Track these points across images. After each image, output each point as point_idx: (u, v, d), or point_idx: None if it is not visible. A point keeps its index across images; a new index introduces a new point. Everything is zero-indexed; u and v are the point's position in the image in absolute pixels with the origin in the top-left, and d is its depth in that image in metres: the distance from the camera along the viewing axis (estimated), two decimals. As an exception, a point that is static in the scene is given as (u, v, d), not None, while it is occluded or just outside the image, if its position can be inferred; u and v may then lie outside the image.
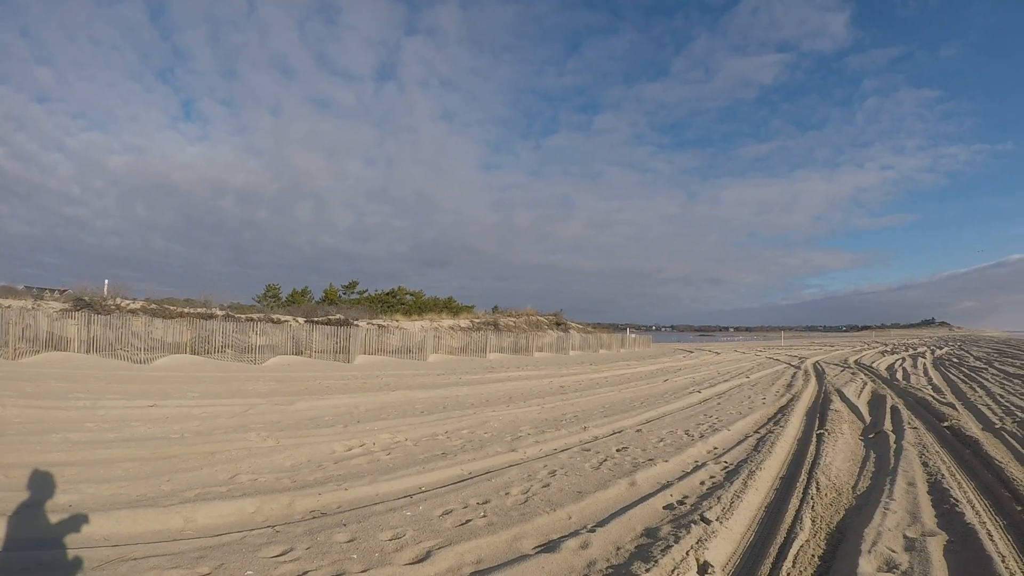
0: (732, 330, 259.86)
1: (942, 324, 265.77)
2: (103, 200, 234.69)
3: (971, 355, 42.30)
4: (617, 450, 9.58)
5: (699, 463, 9.09)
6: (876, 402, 16.32)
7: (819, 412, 14.50)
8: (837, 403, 15.41)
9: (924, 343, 79.40)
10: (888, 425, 12.35)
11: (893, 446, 10.27)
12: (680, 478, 7.95)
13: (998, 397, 16.68)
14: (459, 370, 24.74)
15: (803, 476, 8.43)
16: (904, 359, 38.16)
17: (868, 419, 13.66)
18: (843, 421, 12.87)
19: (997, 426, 12.17)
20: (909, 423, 12.41)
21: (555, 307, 58.27)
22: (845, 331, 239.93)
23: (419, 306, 53.67)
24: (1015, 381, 21.08)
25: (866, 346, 66.71)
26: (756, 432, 11.97)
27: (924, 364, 33.26)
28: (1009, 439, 10.84)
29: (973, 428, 11.87)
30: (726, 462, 9.23)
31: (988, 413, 13.88)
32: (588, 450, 9.43)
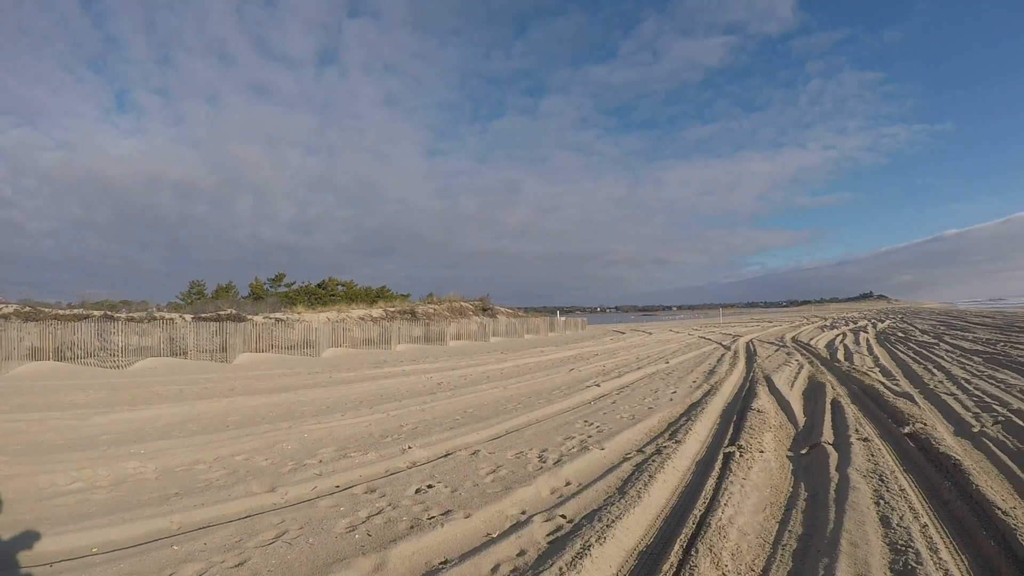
0: (675, 309, 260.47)
1: (880, 297, 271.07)
2: (35, 200, 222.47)
3: (916, 328, 39.64)
4: (416, 491, 6.76)
5: (522, 519, 5.90)
6: (813, 393, 12.97)
7: (738, 412, 11.00)
8: (764, 397, 11.86)
9: (864, 316, 77.85)
10: (827, 433, 8.92)
11: (835, 476, 6.77)
12: (468, 555, 5.00)
13: (962, 382, 13.35)
14: (345, 366, 22.14)
15: (675, 553, 4.94)
16: (845, 335, 35.13)
17: (801, 421, 10.26)
18: (766, 427, 9.32)
19: (976, 430, 8.83)
20: (856, 429, 8.96)
21: (500, 293, 54.93)
22: (785, 306, 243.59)
23: (350, 296, 50.59)
24: (975, 359, 17.82)
25: (805, 321, 64.41)
26: (640, 451, 8.41)
27: (867, 340, 30.18)
28: (1002, 455, 7.47)
29: (945, 436, 8.46)
30: (563, 518, 5.87)
31: (958, 408, 10.58)
32: (373, 491, 6.77)
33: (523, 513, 6.03)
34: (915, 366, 17.01)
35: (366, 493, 6.62)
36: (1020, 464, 6.94)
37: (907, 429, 8.73)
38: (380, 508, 6.11)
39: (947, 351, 21.35)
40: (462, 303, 52.61)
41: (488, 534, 5.47)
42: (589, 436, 9.41)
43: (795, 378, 15.07)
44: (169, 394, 14.27)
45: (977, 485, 5.97)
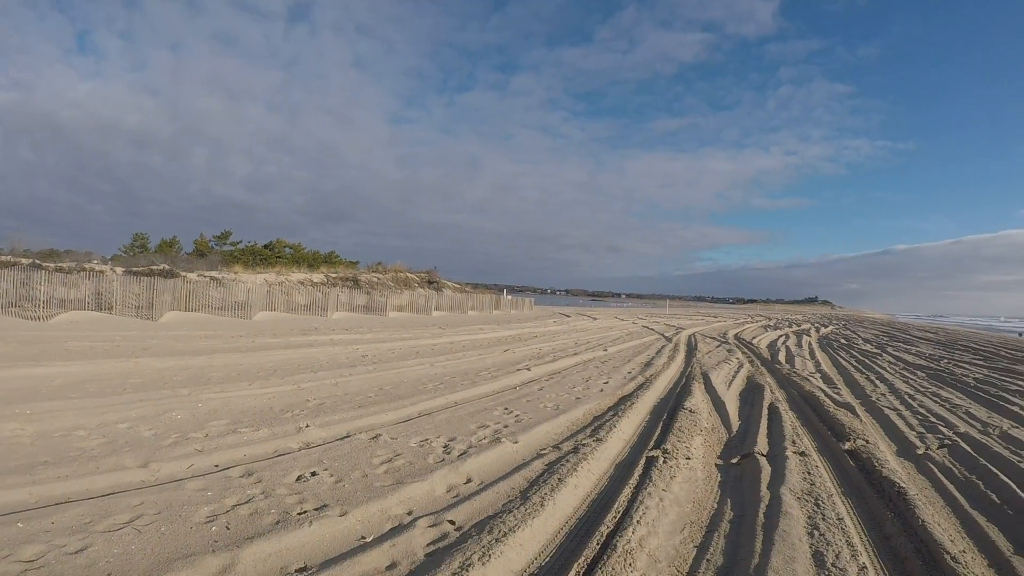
0: (624, 296, 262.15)
1: (825, 303, 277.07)
2: None
3: (859, 336, 39.67)
4: (297, 478, 5.98)
5: (405, 522, 5.12)
6: (750, 395, 12.28)
7: (669, 410, 10.24)
8: (698, 395, 11.10)
9: (808, 320, 78.60)
10: (762, 442, 8.18)
11: (766, 495, 6.00)
12: (330, 563, 4.25)
13: (906, 397, 12.79)
14: (276, 331, 21.34)
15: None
16: (788, 336, 34.91)
17: (735, 425, 9.53)
18: (697, 430, 8.54)
19: (920, 452, 8.18)
20: (793, 440, 8.20)
21: (452, 267, 53.99)
22: (732, 303, 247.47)
23: (297, 259, 49.29)
24: (918, 374, 17.39)
25: (750, 319, 64.60)
26: (557, 447, 7.59)
27: (810, 344, 29.88)
28: (948, 485, 6.81)
29: (888, 457, 7.75)
30: (451, 524, 5.08)
31: (901, 425, 9.97)
32: (250, 475, 5.99)
33: (409, 514, 5.21)
34: (857, 375, 16.50)
35: (242, 476, 5.88)
36: (968, 497, 6.22)
37: (848, 445, 8.00)
38: (251, 496, 5.39)
39: (890, 363, 20.99)
40: (408, 274, 51.45)
41: (362, 537, 4.68)
42: (506, 426, 8.57)
43: (733, 377, 14.41)
44: (78, 350, 13.43)
45: (923, 520, 5.21)
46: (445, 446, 7.40)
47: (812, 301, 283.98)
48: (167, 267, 32.39)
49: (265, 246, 50.69)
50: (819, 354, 23.82)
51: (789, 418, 9.65)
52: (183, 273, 31.66)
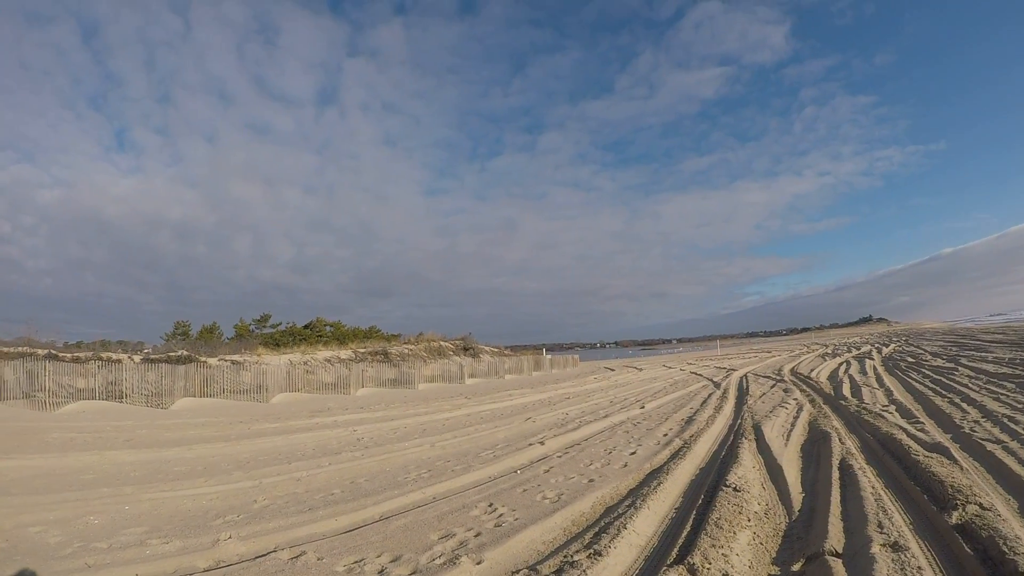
0: (675, 342, 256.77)
1: (880, 320, 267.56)
2: (33, 238, 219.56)
3: (925, 351, 36.17)
4: None
5: None
6: (814, 449, 9.88)
7: (708, 489, 7.86)
8: (748, 461, 8.73)
9: (867, 341, 74.23)
10: (836, 527, 5.82)
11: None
12: None
13: (1005, 422, 10.22)
14: (285, 414, 20.35)
15: None
16: (849, 363, 31.68)
17: (797, 501, 7.19)
18: (743, 519, 6.26)
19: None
20: (879, 520, 5.78)
21: (498, 331, 52.00)
22: (785, 335, 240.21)
23: (337, 337, 48.72)
24: (1007, 385, 14.67)
25: (805, 350, 60.92)
26: (533, 571, 5.36)
27: (875, 368, 26.78)
28: None
29: (1016, 526, 5.26)
30: None
31: (1015, 466, 7.51)
32: None
33: None
34: (938, 400, 13.74)
35: None
36: None
37: (955, 517, 5.50)
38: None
39: (970, 377, 18.05)
40: (441, 343, 49.53)
41: None
42: (478, 534, 6.47)
43: (792, 426, 11.82)
44: (58, 442, 13.32)
45: None
46: (379, 572, 5.49)
47: (867, 321, 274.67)
48: (185, 353, 31.56)
49: (305, 326, 50.06)
50: (888, 379, 20.86)
51: (868, 479, 7.16)
52: (203, 358, 30.75)
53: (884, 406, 13.58)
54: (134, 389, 23.62)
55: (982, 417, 10.96)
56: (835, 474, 7.63)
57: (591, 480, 8.63)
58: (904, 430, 10.11)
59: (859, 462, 8.15)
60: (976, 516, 5.46)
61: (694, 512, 6.68)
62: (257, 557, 5.95)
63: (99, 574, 5.59)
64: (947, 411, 12.04)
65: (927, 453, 8.08)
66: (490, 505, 7.68)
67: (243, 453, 12.39)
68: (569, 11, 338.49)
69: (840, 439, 9.86)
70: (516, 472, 9.69)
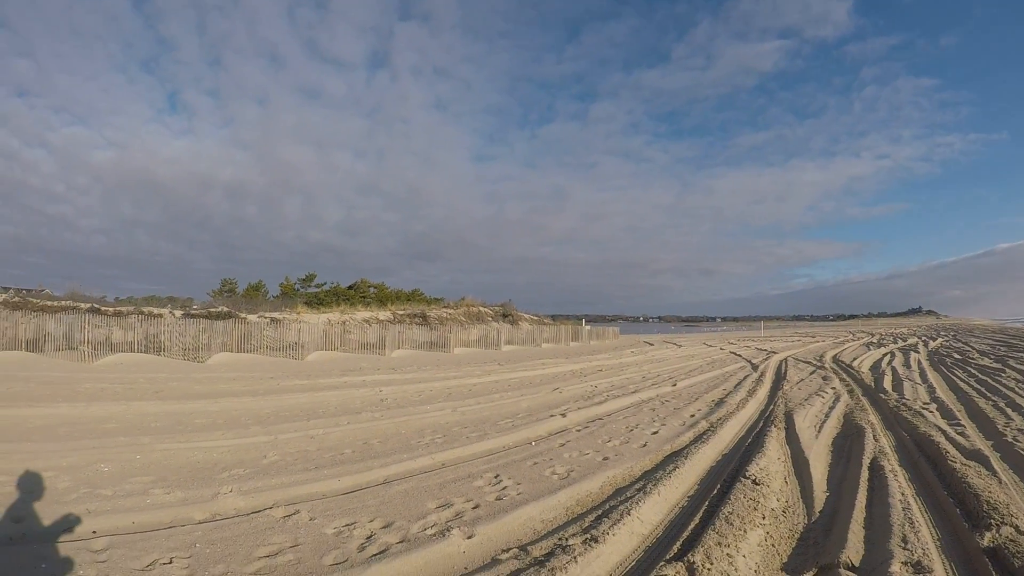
0: (719, 320, 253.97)
1: (929, 313, 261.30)
2: (87, 198, 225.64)
3: (972, 348, 34.89)
4: (149, 564, 4.80)
5: None
6: (846, 445, 9.42)
7: (727, 477, 7.51)
8: (773, 450, 8.35)
9: (913, 333, 72.34)
10: (856, 535, 5.43)
11: None
12: None
13: (1054, 434, 9.24)
14: (319, 372, 20.48)
15: None
16: (893, 354, 30.70)
17: (819, 502, 6.76)
18: (757, 516, 5.88)
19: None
20: (904, 534, 5.38)
21: (543, 300, 51.78)
22: (833, 320, 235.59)
23: (381, 298, 49.14)
24: (1057, 393, 13.53)
25: (851, 337, 59.44)
26: (523, 551, 5.09)
27: (919, 362, 25.85)
28: None
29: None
30: None
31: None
32: (107, 549, 5.06)
33: None
34: (981, 402, 13.07)
35: (99, 551, 4.99)
36: None
37: (988, 538, 5.06)
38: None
39: (1017, 380, 17.24)
40: (481, 308, 49.23)
41: None
42: (476, 506, 6.31)
43: (826, 417, 11.33)
44: (87, 392, 13.64)
45: None
46: (367, 538, 5.37)
47: (916, 312, 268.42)
48: (225, 309, 31.94)
49: (349, 287, 50.60)
50: (931, 375, 20.07)
51: (898, 483, 6.72)
52: (243, 314, 31.02)
53: (925, 403, 12.97)
54: (172, 342, 24.28)
55: (1029, 424, 10.31)
56: (864, 474, 7.21)
57: (606, 458, 8.33)
58: (943, 432, 9.58)
59: (891, 463, 7.70)
60: (1011, 540, 5.03)
61: (706, 503, 6.34)
62: (252, 513, 5.95)
63: (97, 520, 5.61)
64: (990, 415, 11.43)
65: (965, 461, 7.59)
66: (496, 476, 7.46)
67: (266, 408, 12.45)
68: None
69: (875, 436, 9.39)
70: (531, 444, 9.47)
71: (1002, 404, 12.68)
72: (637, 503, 5.99)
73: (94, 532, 5.37)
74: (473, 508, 6.24)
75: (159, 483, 6.89)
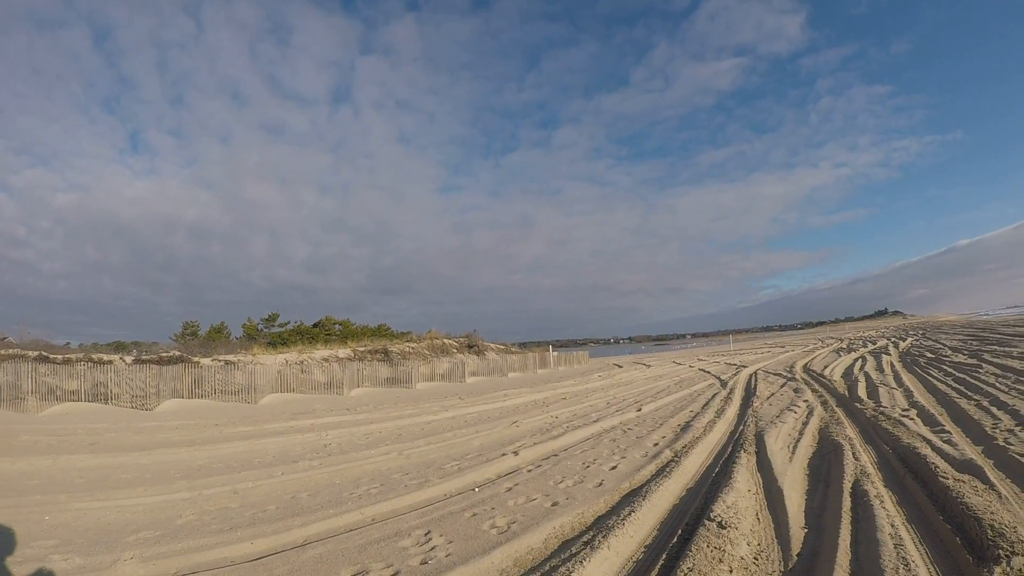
0: (689, 337, 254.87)
1: (895, 313, 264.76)
2: (49, 241, 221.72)
3: (944, 345, 34.46)
4: None
5: None
6: (824, 466, 8.55)
7: (690, 519, 6.53)
8: (743, 481, 7.48)
9: (882, 335, 72.44)
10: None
11: None
12: None
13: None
14: (267, 416, 19.55)
15: None
16: (865, 359, 30.05)
17: (797, 540, 5.80)
18: (722, 568, 5.02)
19: None
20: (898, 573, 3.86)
21: (514, 328, 51.06)
22: (800, 328, 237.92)
23: (347, 335, 48.20)
24: (1039, 386, 12.77)
25: (820, 344, 59.20)
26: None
27: (892, 364, 25.23)
28: None
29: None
30: None
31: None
32: None
33: None
34: (964, 403, 12.22)
35: None
36: None
37: (998, 573, 3.97)
38: None
39: (996, 376, 16.47)
40: (445, 340, 48.13)
41: None
42: (395, 574, 5.43)
43: (800, 435, 10.42)
44: (20, 446, 13.02)
45: None
46: None
47: (883, 314, 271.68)
48: (177, 353, 30.86)
49: (314, 325, 49.73)
50: (906, 377, 19.30)
51: (885, 511, 5.77)
52: (196, 358, 29.96)
53: (904, 410, 12.11)
54: (122, 390, 23.18)
55: (1016, 425, 9.53)
56: (846, 502, 6.23)
57: (555, 504, 7.29)
58: (928, 442, 8.67)
59: (876, 486, 6.74)
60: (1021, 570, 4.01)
61: (664, 555, 5.26)
62: None
63: None
64: (975, 416, 10.58)
65: (957, 475, 6.65)
66: (426, 534, 6.47)
67: (198, 460, 11.74)
68: (584, 4, 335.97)
69: (854, 453, 8.46)
70: (475, 490, 8.45)
71: (985, 403, 11.86)
72: (582, 562, 4.98)
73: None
74: None
75: (62, 547, 6.40)
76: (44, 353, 26.49)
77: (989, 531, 4.89)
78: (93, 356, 27.64)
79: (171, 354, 30.66)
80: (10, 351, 25.93)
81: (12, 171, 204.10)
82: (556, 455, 10.53)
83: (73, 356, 27.00)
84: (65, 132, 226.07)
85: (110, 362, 26.52)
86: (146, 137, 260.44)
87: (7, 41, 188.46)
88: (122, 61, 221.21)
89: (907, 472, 7.40)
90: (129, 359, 28.37)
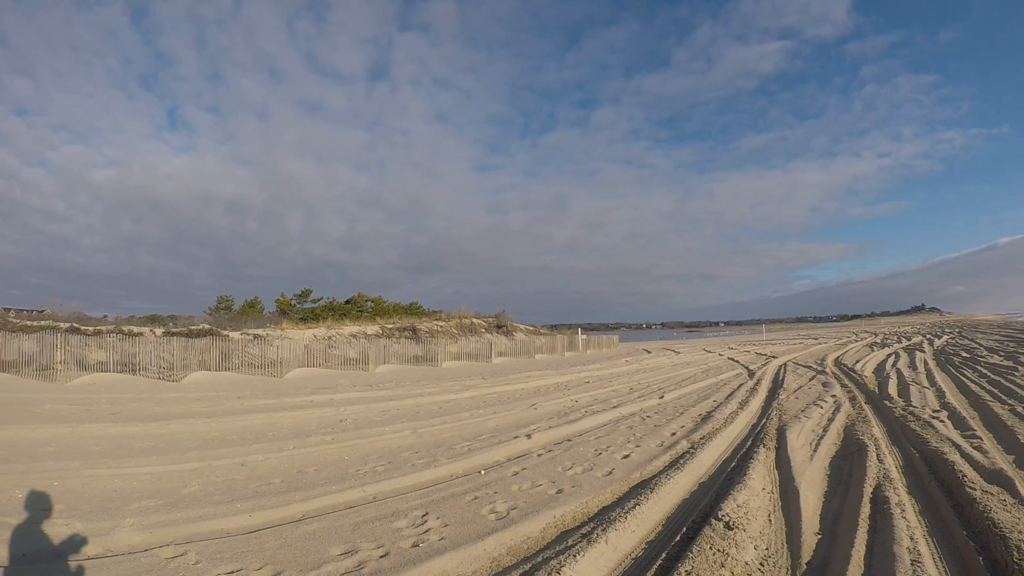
0: (722, 325, 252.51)
1: (932, 310, 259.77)
2: (88, 216, 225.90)
3: (979, 345, 33.55)
4: None
5: None
6: (845, 467, 8.16)
7: (698, 516, 6.24)
8: (757, 478, 7.26)
9: (917, 331, 70.90)
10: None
11: None
12: None
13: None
14: (291, 390, 19.34)
15: None
16: (898, 355, 29.33)
17: (808, 548, 5.44)
18: (724, 573, 4.33)
19: None
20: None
21: (544, 309, 50.85)
22: (835, 321, 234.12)
23: (378, 312, 48.22)
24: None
25: (854, 338, 58.14)
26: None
27: (925, 361, 24.55)
28: None
29: None
30: None
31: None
32: None
33: None
34: (997, 407, 11.73)
35: None
36: None
37: None
38: None
39: (1034, 380, 15.67)
40: (473, 320, 47.87)
41: None
42: (384, 555, 5.35)
43: (824, 432, 10.05)
44: (42, 414, 13.07)
45: None
46: None
47: (919, 310, 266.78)
48: (206, 326, 30.89)
49: (346, 301, 49.68)
50: (939, 376, 18.71)
51: (906, 521, 5.42)
52: (225, 332, 29.99)
53: (935, 411, 11.64)
54: (150, 362, 23.41)
55: (1055, 434, 8.96)
56: (865, 508, 5.90)
57: (560, 491, 7.09)
58: (957, 447, 8.26)
59: (898, 492, 6.39)
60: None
61: (664, 554, 4.99)
62: (143, 551, 5.45)
63: None
64: (1009, 423, 10.10)
65: (985, 486, 6.27)
66: (423, 515, 6.32)
67: (215, 431, 11.70)
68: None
69: (878, 455, 8.08)
70: (481, 472, 8.28)
71: (1020, 408, 11.40)
72: (577, 555, 4.74)
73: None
74: (380, 557, 5.19)
75: (66, 512, 6.43)
76: (76, 325, 26.84)
77: (1015, 553, 4.56)
78: (124, 328, 28.03)
79: (200, 327, 30.87)
80: (41, 323, 26.26)
81: (51, 147, 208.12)
82: (570, 440, 10.31)
83: (104, 328, 27.35)
84: (103, 109, 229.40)
85: (140, 334, 26.95)
86: (184, 113, 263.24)
87: (45, 18, 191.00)
88: (159, 38, 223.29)
89: (932, 479, 7.04)
90: (159, 331, 28.69)
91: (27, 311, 31.66)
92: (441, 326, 43.53)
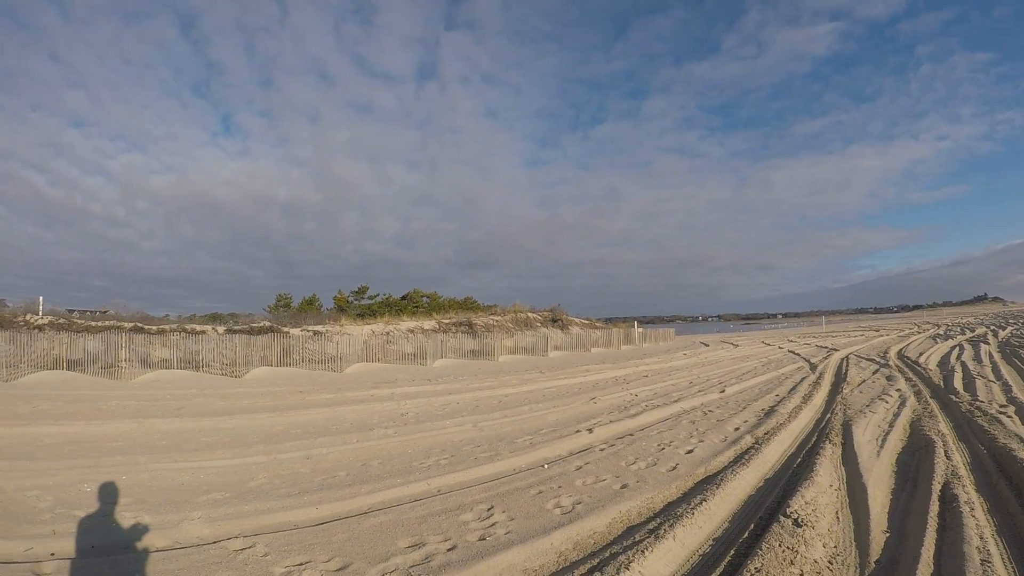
0: (780, 317, 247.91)
1: (995, 300, 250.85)
2: (148, 221, 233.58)
3: (1049, 337, 32.26)
4: None
5: None
6: (913, 463, 8.09)
7: (764, 514, 6.28)
8: (824, 475, 7.29)
9: (981, 322, 68.73)
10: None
11: None
12: None
13: None
14: (351, 384, 19.82)
15: None
16: (962, 347, 28.58)
17: (877, 546, 5.44)
18: (792, 571, 4.73)
19: None
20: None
21: (598, 303, 50.44)
22: (896, 312, 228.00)
23: (434, 308, 48.83)
24: None
25: (916, 329, 56.63)
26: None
27: (990, 354, 23.91)
28: None
29: None
30: None
31: None
32: None
33: None
34: (1068, 403, 11.35)
35: None
36: None
37: None
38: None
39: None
40: (529, 314, 47.88)
41: None
42: (451, 548, 5.48)
43: (890, 427, 9.98)
44: (108, 410, 13.46)
45: None
46: None
47: (981, 299, 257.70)
48: (267, 324, 31.80)
49: (402, 298, 50.25)
50: (1005, 369, 18.27)
51: (975, 520, 5.44)
52: (286, 329, 30.84)
53: (1001, 405, 11.43)
54: (213, 359, 24.14)
55: None
56: (934, 506, 5.91)
57: (624, 485, 7.22)
58: (1027, 443, 8.11)
59: (967, 490, 6.37)
60: None
61: (733, 551, 5.11)
62: (211, 543, 5.55)
63: (56, 542, 5.49)
64: (1080, 420, 9.83)
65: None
66: (489, 509, 6.49)
67: (279, 425, 12.03)
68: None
69: (946, 451, 8.03)
70: (544, 466, 8.43)
71: (1091, 405, 11.03)
72: (645, 551, 4.87)
73: (52, 555, 5.21)
74: (448, 550, 5.32)
75: (135, 505, 6.63)
76: (139, 324, 27.84)
77: (1090, 550, 4.54)
78: (186, 327, 28.98)
79: (261, 324, 31.71)
80: (105, 323, 27.24)
81: (108, 156, 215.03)
82: (631, 434, 10.41)
83: (167, 327, 28.32)
84: (158, 117, 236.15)
85: (202, 332, 27.83)
86: (237, 119, 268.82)
87: (96, 34, 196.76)
88: (209, 47, 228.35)
89: (1001, 476, 7.00)
90: (221, 329, 29.57)
91: (91, 311, 33.07)
92: (497, 320, 43.70)
